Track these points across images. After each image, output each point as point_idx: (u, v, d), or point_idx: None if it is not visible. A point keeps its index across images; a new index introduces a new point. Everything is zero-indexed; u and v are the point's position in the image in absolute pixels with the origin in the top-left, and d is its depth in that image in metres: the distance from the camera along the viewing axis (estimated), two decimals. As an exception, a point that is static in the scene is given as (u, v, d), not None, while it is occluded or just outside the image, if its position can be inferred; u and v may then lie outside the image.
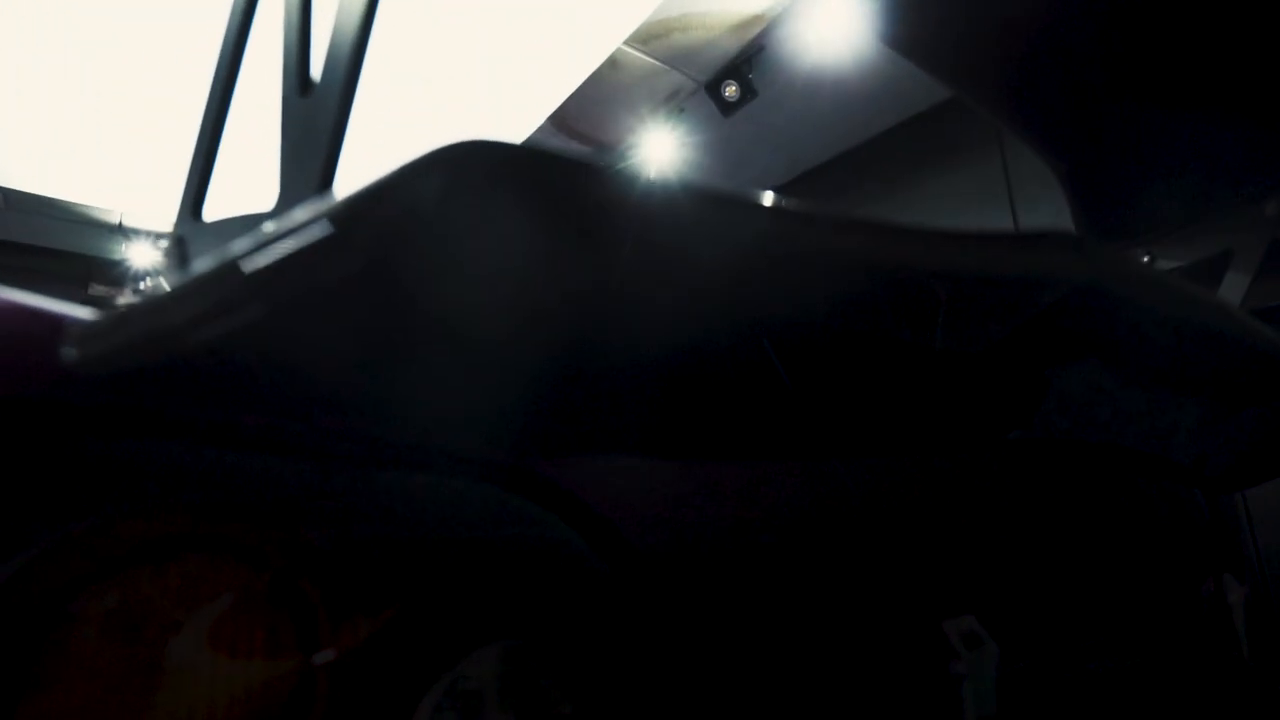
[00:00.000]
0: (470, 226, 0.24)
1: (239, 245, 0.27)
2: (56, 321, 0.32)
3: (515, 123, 4.60)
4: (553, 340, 0.30)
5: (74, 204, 5.36)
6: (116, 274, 6.18)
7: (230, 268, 0.26)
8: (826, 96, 4.47)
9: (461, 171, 0.24)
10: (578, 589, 0.35)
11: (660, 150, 4.89)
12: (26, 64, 3.66)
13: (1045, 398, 0.54)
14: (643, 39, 3.93)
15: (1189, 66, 0.96)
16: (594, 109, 4.62)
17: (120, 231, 5.71)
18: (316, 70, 0.40)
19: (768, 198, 0.28)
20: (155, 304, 0.27)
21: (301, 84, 0.39)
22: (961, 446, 0.55)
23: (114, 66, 3.70)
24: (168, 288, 0.29)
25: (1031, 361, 0.50)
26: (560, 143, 4.94)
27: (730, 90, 4.21)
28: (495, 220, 0.25)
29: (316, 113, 0.37)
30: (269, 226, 0.41)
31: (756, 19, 3.87)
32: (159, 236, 5.70)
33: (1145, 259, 1.31)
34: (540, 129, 4.65)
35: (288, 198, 0.38)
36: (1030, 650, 0.55)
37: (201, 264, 0.28)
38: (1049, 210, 1.32)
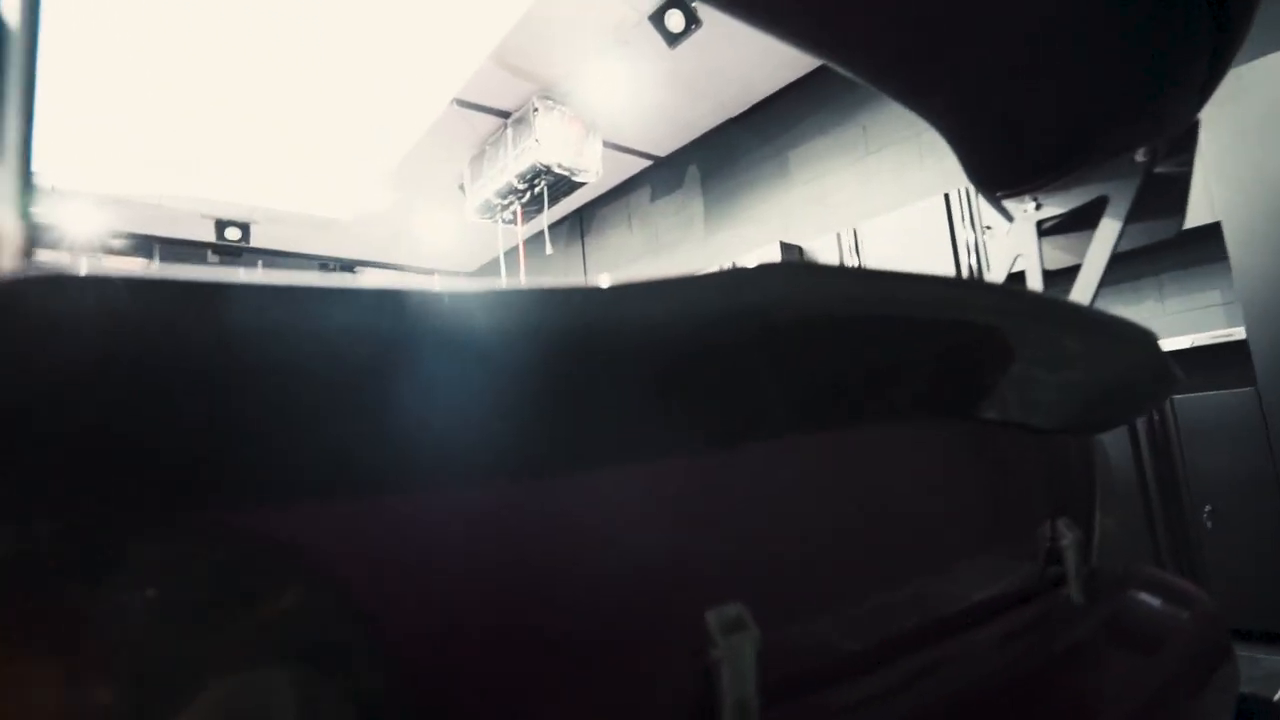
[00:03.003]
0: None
1: None
2: None
3: (456, 61, 4.43)
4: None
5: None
6: (53, 239, 6.00)
7: None
8: (775, 22, 4.34)
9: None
10: (315, 623, 0.38)
11: (608, 87, 4.75)
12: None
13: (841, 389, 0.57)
14: (578, -31, 3.76)
15: (1057, 24, 0.96)
16: (536, 44, 4.45)
17: (56, 196, 5.51)
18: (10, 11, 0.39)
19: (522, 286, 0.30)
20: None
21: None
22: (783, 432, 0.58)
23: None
24: None
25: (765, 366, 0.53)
26: (503, 79, 4.76)
27: (674, 19, 4.07)
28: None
29: (10, 55, 0.37)
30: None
31: (696, -57, 3.72)
32: (98, 201, 5.51)
33: (1033, 206, 1.33)
34: (482, 68, 4.49)
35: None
36: (803, 623, 0.59)
37: None
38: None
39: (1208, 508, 2.91)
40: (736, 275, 0.42)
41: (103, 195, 5.49)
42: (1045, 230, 1.31)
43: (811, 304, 0.44)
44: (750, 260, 4.49)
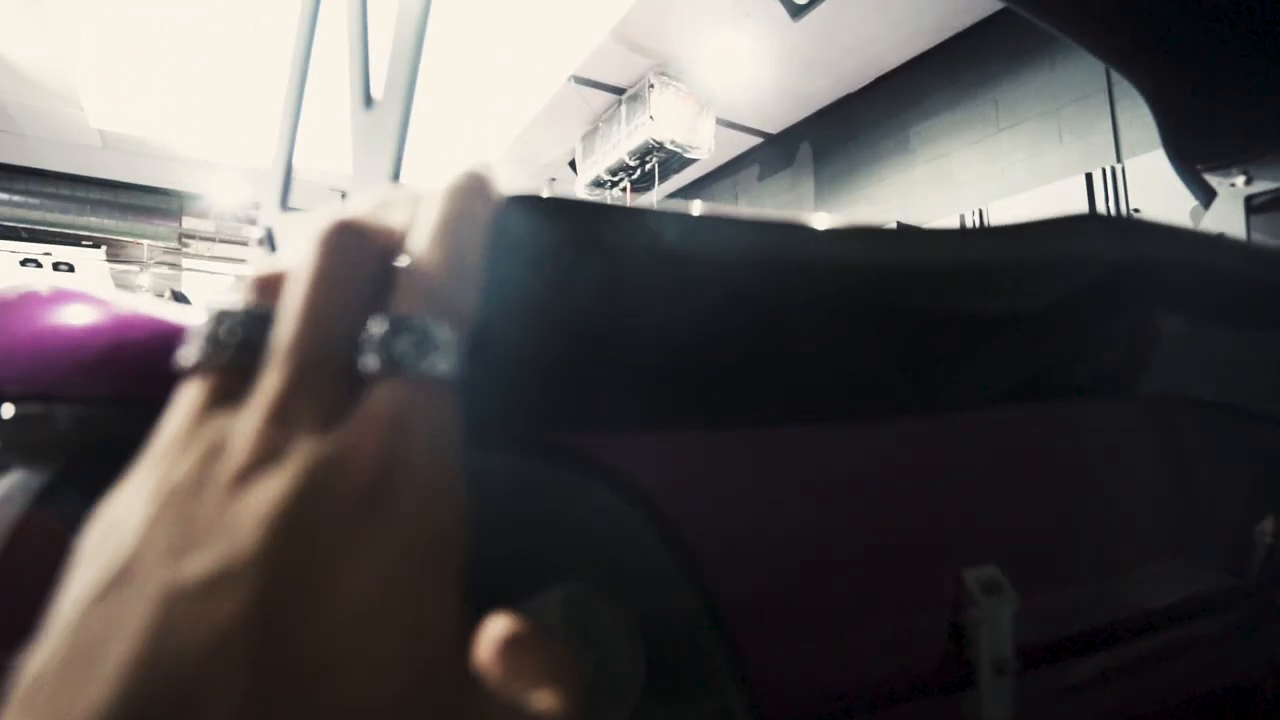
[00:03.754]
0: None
1: None
2: (177, 330, 0.37)
3: (577, 37, 4.48)
4: (584, 335, 0.33)
5: (165, 143, 5.65)
6: (203, 208, 6.58)
7: None
8: (905, -9, 4.14)
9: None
10: (620, 546, 0.40)
11: (725, 62, 4.68)
12: (123, 15, 3.78)
13: (1134, 356, 0.55)
14: (705, -59, 3.71)
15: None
16: (656, 20, 4.44)
17: (207, 168, 6.01)
18: (377, 84, 0.42)
19: (773, 216, 0.30)
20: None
21: (365, 98, 0.42)
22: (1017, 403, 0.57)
23: (202, 19, 3.78)
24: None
25: (1091, 324, 0.50)
26: (620, 55, 4.77)
27: (800, -10, 3.95)
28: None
29: (379, 125, 0.40)
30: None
31: (828, -91, 3.58)
32: (242, 173, 5.96)
33: (1242, 179, 1.22)
34: (600, 44, 4.52)
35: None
36: (1055, 592, 0.57)
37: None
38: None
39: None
40: (1045, 226, 0.40)
41: (246, 168, 5.92)
42: (1254, 208, 1.20)
43: (1118, 261, 0.42)
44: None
